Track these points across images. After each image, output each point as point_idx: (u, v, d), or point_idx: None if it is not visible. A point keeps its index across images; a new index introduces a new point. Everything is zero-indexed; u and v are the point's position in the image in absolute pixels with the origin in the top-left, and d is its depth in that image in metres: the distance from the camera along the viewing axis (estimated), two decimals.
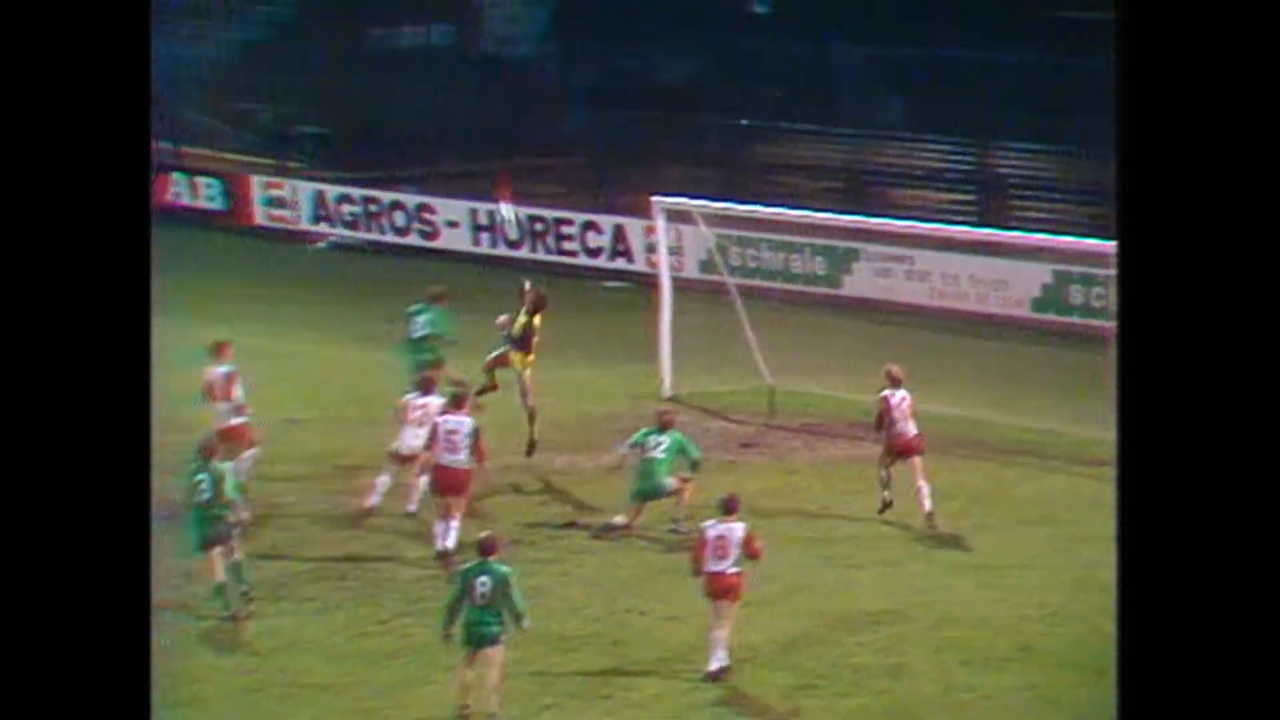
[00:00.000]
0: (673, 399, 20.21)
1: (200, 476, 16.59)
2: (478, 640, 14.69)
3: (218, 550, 16.59)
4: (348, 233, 33.12)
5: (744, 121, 33.04)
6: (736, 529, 15.59)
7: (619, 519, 18.64)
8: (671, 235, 25.43)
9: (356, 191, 33.26)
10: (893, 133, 32.32)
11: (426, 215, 32.39)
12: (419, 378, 19.33)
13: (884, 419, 19.25)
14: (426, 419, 18.36)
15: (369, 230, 32.93)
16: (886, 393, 19.45)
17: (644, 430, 18.79)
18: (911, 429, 19.38)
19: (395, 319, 21.89)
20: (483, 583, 14.64)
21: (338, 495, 19.91)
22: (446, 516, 17.61)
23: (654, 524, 18.94)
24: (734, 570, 15.49)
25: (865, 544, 18.67)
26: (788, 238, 28.11)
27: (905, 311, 26.80)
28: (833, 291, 27.92)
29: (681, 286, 23.91)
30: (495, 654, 14.71)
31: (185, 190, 34.92)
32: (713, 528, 15.64)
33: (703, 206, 24.84)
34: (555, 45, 38.57)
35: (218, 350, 19.20)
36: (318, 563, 18.12)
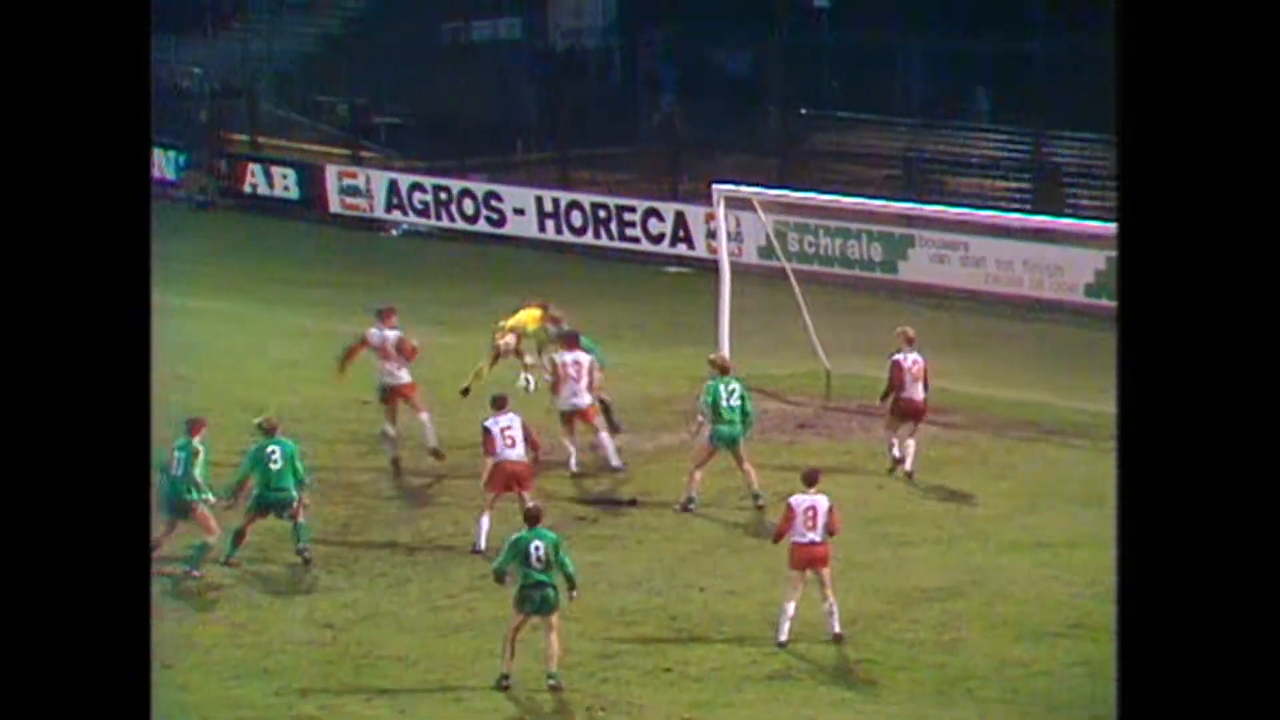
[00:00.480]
0: (746, 385, 20.07)
1: (272, 447, 17.31)
2: (538, 604, 14.83)
3: (271, 517, 17.37)
4: (419, 220, 33.18)
5: (803, 111, 32.84)
6: (822, 501, 15.77)
7: (694, 487, 18.62)
8: (731, 222, 25.33)
9: (428, 180, 33.30)
10: (950, 122, 32.04)
11: (494, 203, 32.41)
12: (561, 334, 19.95)
13: (895, 381, 19.45)
14: (580, 374, 19.27)
15: (439, 217, 32.97)
16: (899, 356, 19.57)
17: (709, 385, 18.79)
18: (920, 393, 19.56)
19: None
20: (537, 547, 14.90)
21: (408, 473, 19.96)
22: (491, 509, 17.58)
23: (713, 501, 18.88)
24: (822, 540, 15.62)
25: (919, 522, 18.54)
26: (845, 224, 27.94)
27: (960, 296, 26.60)
28: (889, 277, 27.73)
29: (741, 271, 23.81)
30: (554, 621, 14.84)
31: (262, 180, 35.05)
32: (800, 500, 15.71)
33: (761, 194, 24.74)
34: (619, 38, 38.50)
35: (384, 316, 19.98)
36: (389, 539, 18.16)
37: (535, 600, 14.82)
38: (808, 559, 15.60)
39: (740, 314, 22.97)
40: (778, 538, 15.85)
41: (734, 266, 23.66)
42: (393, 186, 33.47)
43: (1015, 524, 18.55)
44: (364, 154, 35.27)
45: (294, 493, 17.29)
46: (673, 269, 30.01)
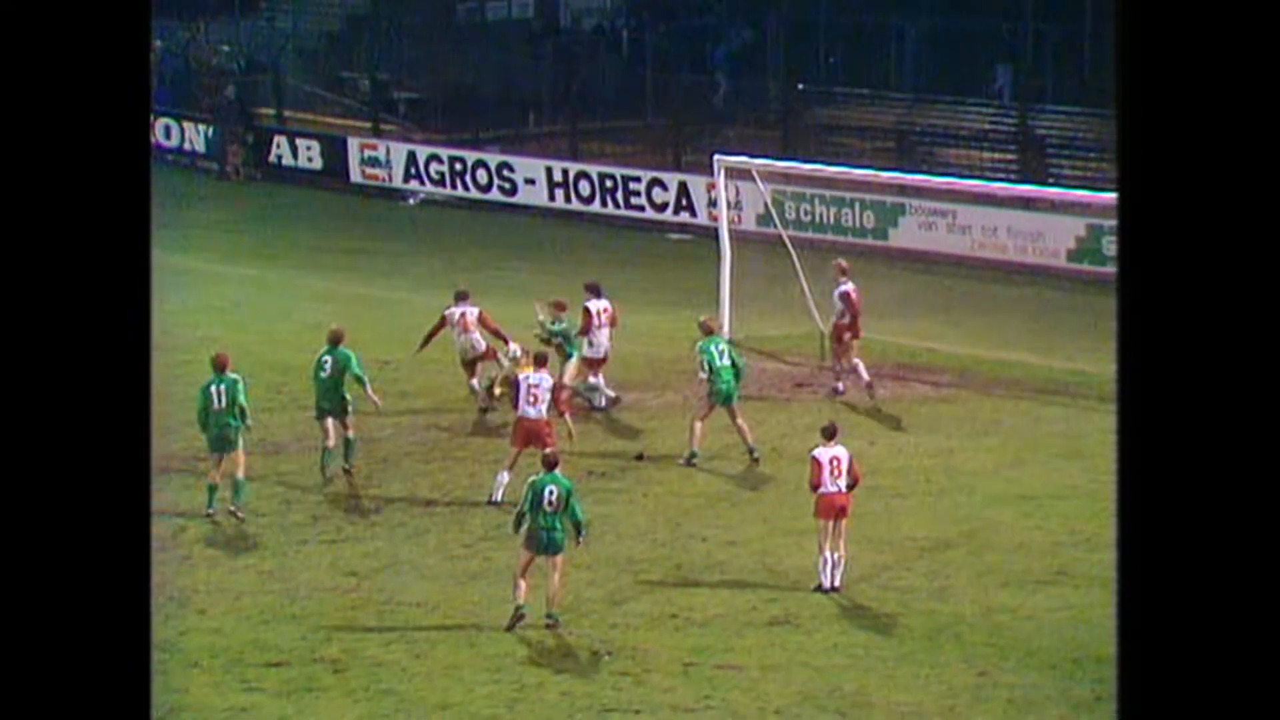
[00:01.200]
0: (732, 342, 20.06)
1: (330, 356, 18.20)
2: (546, 546, 14.88)
3: (331, 421, 18.10)
4: (436, 189, 33.06)
5: (800, 86, 32.65)
6: (843, 452, 15.65)
7: (696, 442, 18.58)
8: (731, 191, 25.21)
9: (444, 151, 33.19)
10: (939, 96, 31.85)
11: (506, 173, 32.30)
12: (587, 284, 20.57)
13: (846, 312, 20.25)
14: (611, 320, 20.04)
15: (455, 187, 32.87)
16: (845, 287, 20.32)
17: (700, 346, 18.75)
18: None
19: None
20: (551, 491, 14.92)
21: (426, 429, 19.91)
22: (512, 467, 17.50)
23: (715, 455, 18.82)
24: (846, 490, 15.55)
25: (910, 476, 18.48)
26: (839, 193, 27.82)
27: (948, 262, 26.49)
28: (880, 243, 27.61)
29: (740, 238, 23.71)
30: (559, 561, 14.85)
31: (288, 151, 34.91)
32: (824, 452, 15.66)
33: (760, 165, 24.64)
34: (627, 16, 38.29)
35: (460, 298, 20.57)
36: (408, 492, 18.11)
37: (542, 541, 14.86)
38: (831, 508, 15.54)
39: (740, 279, 22.88)
40: (814, 490, 15.69)
41: (734, 234, 23.56)
42: (411, 158, 33.36)
43: (1001, 477, 18.50)
44: (384, 127, 35.15)
45: (348, 398, 18.00)
46: (675, 236, 29.91)
